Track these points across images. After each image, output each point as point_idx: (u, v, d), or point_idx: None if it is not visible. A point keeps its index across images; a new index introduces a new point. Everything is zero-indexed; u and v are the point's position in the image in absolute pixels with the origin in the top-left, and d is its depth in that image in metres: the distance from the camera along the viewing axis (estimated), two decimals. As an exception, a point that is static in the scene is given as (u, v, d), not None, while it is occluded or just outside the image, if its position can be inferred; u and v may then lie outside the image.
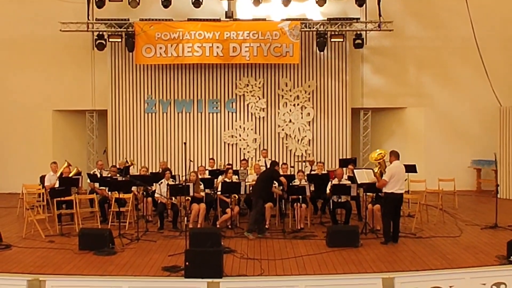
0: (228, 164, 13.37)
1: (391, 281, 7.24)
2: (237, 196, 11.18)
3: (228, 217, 10.69)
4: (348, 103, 15.75)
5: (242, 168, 12.55)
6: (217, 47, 14.70)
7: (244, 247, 9.25)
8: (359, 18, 15.08)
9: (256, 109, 15.67)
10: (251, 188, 11.22)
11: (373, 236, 9.84)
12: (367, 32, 15.35)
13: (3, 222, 11.32)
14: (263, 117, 15.69)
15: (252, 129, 15.67)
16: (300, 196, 10.67)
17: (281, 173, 11.21)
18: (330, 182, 11.07)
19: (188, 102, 15.67)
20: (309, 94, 15.69)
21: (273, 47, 14.71)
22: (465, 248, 9.07)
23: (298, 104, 15.69)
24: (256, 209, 10.14)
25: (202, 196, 10.84)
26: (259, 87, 15.65)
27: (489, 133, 15.33)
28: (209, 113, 15.71)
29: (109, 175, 11.96)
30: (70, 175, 11.91)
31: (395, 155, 9.58)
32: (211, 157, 14.82)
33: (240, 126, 15.69)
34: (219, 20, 14.92)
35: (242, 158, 14.67)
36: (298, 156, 15.61)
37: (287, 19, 14.86)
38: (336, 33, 15.02)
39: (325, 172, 12.21)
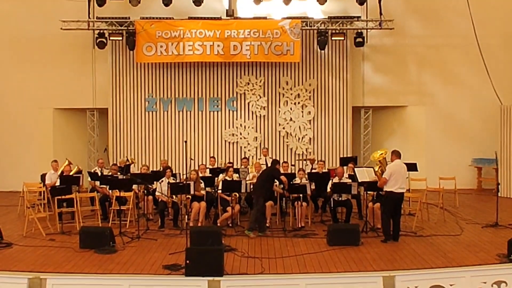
0: (229, 163, 13.37)
1: (392, 279, 7.25)
2: (237, 195, 11.19)
3: (228, 216, 10.69)
4: (349, 102, 15.74)
5: (243, 167, 12.55)
6: (218, 45, 14.69)
7: (244, 245, 9.26)
8: (360, 17, 15.07)
9: (257, 108, 15.66)
10: (251, 187, 11.22)
11: (374, 235, 9.83)
12: (368, 30, 15.34)
13: (4, 221, 11.31)
14: (264, 116, 15.68)
15: (252, 128, 15.67)
16: (301, 195, 10.68)
17: (282, 171, 11.20)
18: (330, 181, 11.07)
19: (189, 101, 15.67)
20: (309, 92, 15.69)
21: (274, 45, 14.69)
22: (466, 247, 9.07)
23: (298, 103, 15.68)
24: (257, 207, 10.15)
25: (202, 195, 10.85)
26: (260, 86, 15.65)
27: (490, 132, 15.32)
28: (210, 112, 15.71)
29: (110, 173, 11.96)
30: (71, 174, 11.93)
31: (396, 154, 9.58)
32: (211, 155, 14.81)
33: (240, 125, 15.69)
34: (220, 18, 14.92)
35: (242, 156, 14.69)
36: (298, 154, 15.60)
37: (288, 18, 14.84)
38: (337, 31, 15.01)
39: (326, 170, 12.19)
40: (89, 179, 12.37)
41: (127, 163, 13.49)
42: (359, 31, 15.18)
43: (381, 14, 14.67)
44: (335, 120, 15.74)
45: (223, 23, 14.79)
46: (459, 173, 13.97)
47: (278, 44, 14.68)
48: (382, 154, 9.93)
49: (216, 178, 11.51)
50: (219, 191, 10.97)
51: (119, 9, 15.06)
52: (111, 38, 14.98)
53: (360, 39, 15.14)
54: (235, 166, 12.79)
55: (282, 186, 10.67)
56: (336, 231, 9.33)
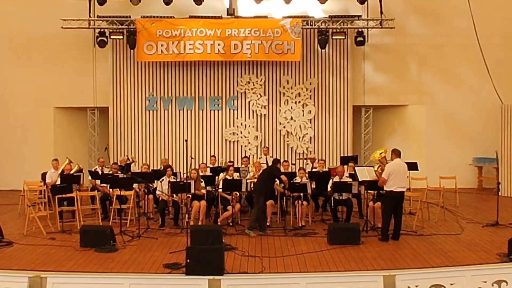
0: (230, 162, 13.37)
1: (392, 278, 7.24)
2: (238, 194, 11.18)
3: (229, 215, 10.70)
4: (350, 101, 15.74)
5: (243, 166, 12.56)
6: (219, 44, 14.69)
7: (245, 244, 9.26)
8: (360, 16, 15.08)
9: (258, 107, 15.66)
10: (252, 186, 11.22)
11: (374, 234, 9.83)
12: (369, 29, 15.33)
13: (5, 219, 11.32)
14: (265, 115, 15.68)
15: (253, 127, 15.67)
16: (301, 194, 10.69)
17: (282, 170, 11.21)
18: (331, 180, 11.08)
19: (189, 100, 15.68)
20: (310, 91, 15.69)
21: (274, 44, 14.69)
22: (466, 246, 9.07)
23: (299, 102, 15.68)
24: (257, 206, 10.16)
25: (203, 194, 10.85)
26: (261, 85, 15.65)
27: (491, 131, 15.32)
28: (210, 111, 15.71)
29: (111, 172, 11.98)
30: (72, 172, 11.94)
31: (396, 153, 9.57)
32: (212, 154, 14.83)
33: (241, 124, 15.69)
34: (220, 17, 14.92)
35: (243, 155, 14.70)
36: (299, 153, 15.61)
37: (288, 17, 14.85)
38: (338, 30, 15.01)
39: (326, 169, 12.19)
40: (89, 178, 12.37)
41: (128, 162, 13.49)
42: (360, 30, 15.17)
43: (381, 13, 14.66)
44: (336, 119, 15.74)
45: (224, 22, 14.78)
46: (460, 172, 13.97)
47: (279, 43, 14.68)
48: (382, 153, 9.94)
49: (216, 177, 11.51)
50: (220, 190, 10.97)
51: (120, 8, 15.06)
52: (111, 37, 14.99)
53: (361, 38, 15.13)
54: (235, 165, 12.80)
55: (282, 185, 10.67)
56: (336, 230, 9.34)
